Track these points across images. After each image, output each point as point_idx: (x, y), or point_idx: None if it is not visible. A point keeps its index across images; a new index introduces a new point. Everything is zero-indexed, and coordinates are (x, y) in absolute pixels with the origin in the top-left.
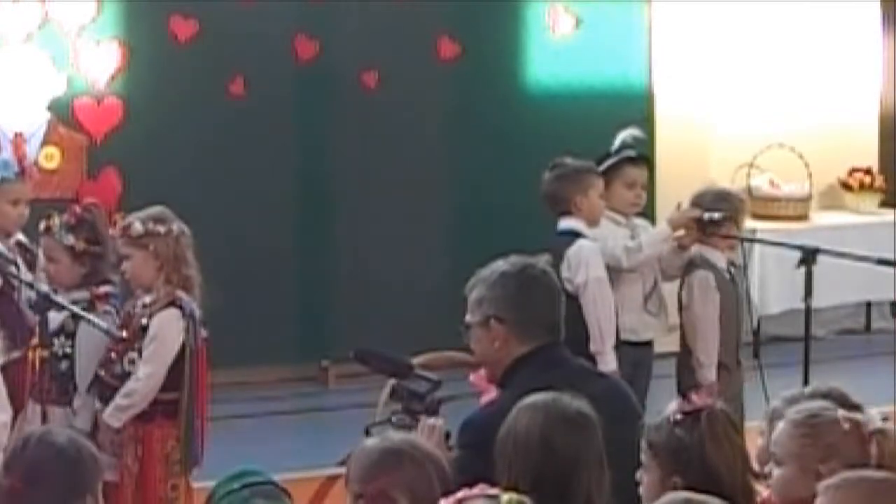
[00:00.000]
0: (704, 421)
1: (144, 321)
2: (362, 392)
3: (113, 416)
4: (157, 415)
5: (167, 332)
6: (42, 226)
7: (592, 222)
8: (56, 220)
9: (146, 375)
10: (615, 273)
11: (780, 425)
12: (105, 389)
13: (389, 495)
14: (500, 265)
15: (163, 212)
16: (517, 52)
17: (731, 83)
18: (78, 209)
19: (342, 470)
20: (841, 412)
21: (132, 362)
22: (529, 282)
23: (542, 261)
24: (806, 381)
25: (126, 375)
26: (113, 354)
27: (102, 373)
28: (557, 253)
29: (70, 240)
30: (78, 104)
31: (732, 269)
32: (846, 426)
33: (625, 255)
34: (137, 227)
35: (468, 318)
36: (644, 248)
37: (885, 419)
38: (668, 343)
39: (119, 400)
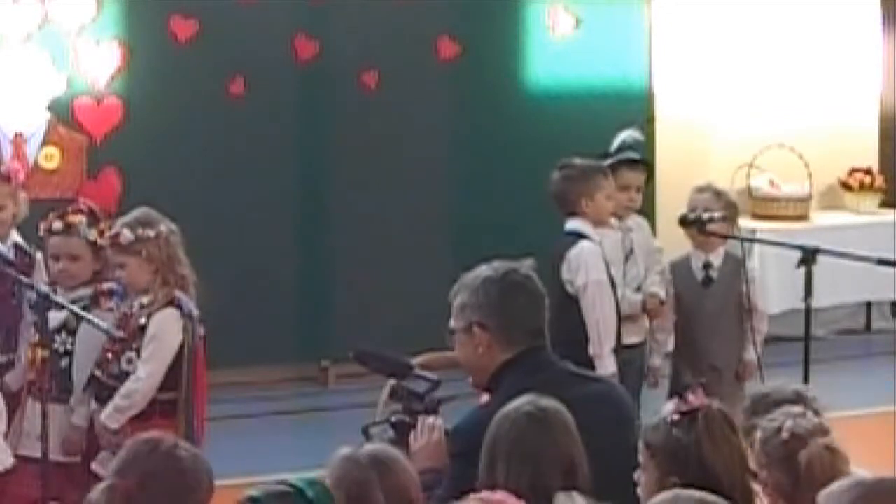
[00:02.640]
0: (701, 421)
1: (143, 321)
2: (362, 392)
3: (112, 417)
4: (154, 414)
5: (166, 331)
6: (59, 225)
7: (599, 223)
8: (80, 218)
9: (147, 375)
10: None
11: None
12: (102, 389)
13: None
14: (483, 270)
15: (148, 213)
16: (517, 52)
17: (731, 83)
18: (83, 206)
19: None
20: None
21: (130, 362)
22: (512, 287)
23: (526, 265)
24: (806, 381)
25: (123, 375)
26: (109, 355)
27: (99, 373)
28: (559, 254)
29: (93, 234)
30: (78, 104)
31: (710, 271)
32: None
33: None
34: (127, 235)
35: (452, 323)
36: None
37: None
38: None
39: (118, 401)
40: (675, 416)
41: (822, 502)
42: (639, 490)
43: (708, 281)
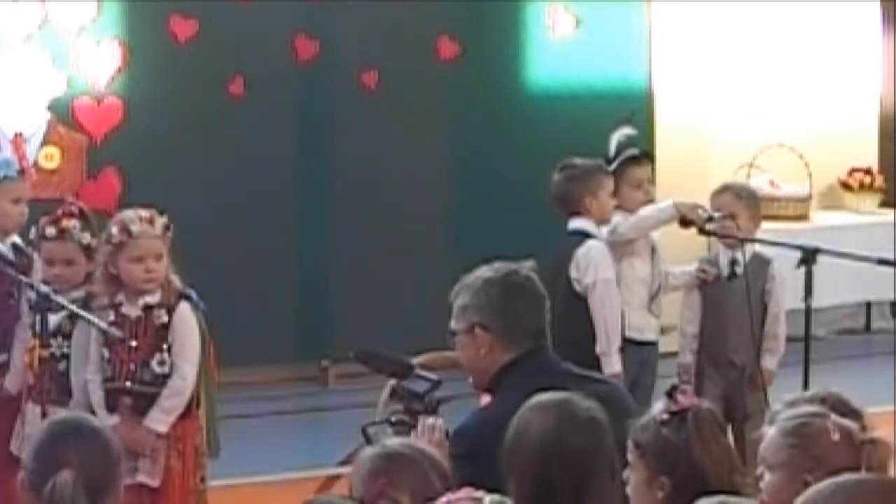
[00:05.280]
0: (691, 421)
1: (165, 319)
2: (362, 392)
3: (160, 420)
4: (191, 408)
5: (191, 325)
6: (52, 230)
7: (602, 222)
8: (73, 223)
9: (191, 370)
10: (627, 269)
11: (771, 431)
12: (139, 399)
13: (390, 496)
14: (484, 272)
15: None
16: (517, 52)
17: (731, 83)
18: (75, 208)
19: (342, 470)
20: (833, 419)
21: (162, 363)
22: (513, 289)
23: (526, 267)
24: (806, 381)
25: (159, 378)
26: (132, 366)
27: (129, 384)
28: (566, 253)
29: (87, 238)
30: (78, 104)
31: (736, 267)
32: (836, 437)
33: (623, 223)
34: (165, 221)
35: (453, 324)
36: (640, 212)
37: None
38: (668, 343)
39: (165, 403)
40: (665, 416)
41: None
42: (627, 489)
43: (732, 276)
